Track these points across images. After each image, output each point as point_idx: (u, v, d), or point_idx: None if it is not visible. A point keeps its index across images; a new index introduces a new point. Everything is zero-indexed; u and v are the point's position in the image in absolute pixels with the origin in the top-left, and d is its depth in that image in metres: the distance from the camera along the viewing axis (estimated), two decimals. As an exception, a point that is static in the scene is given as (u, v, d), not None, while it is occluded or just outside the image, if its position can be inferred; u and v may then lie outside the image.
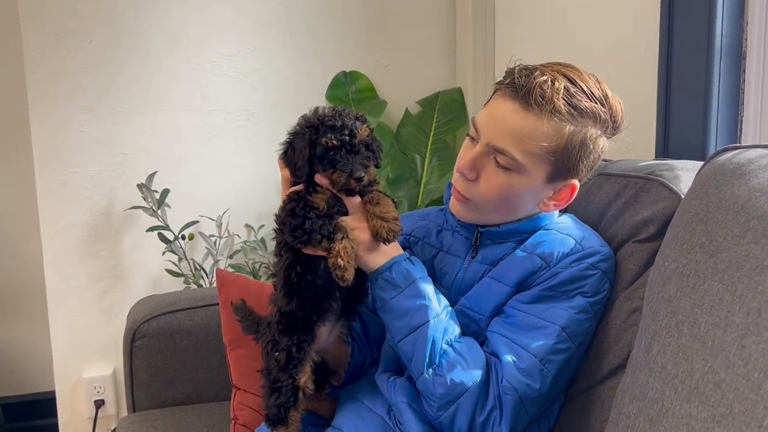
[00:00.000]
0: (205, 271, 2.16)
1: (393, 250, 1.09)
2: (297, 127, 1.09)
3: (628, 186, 1.17)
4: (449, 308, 1.10)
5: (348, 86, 2.33)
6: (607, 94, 1.07)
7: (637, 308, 1.05)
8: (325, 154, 1.04)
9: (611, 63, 1.64)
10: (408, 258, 1.10)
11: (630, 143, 1.58)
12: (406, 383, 1.11)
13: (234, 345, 1.48)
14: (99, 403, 2.21)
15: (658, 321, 0.88)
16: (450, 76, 2.42)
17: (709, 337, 0.78)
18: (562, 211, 1.20)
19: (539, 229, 1.14)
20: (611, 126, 1.08)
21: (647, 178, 1.14)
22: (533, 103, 1.02)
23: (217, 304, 1.53)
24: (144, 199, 2.07)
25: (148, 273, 2.21)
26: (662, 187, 1.10)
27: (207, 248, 2.17)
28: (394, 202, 1.10)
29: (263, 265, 2.24)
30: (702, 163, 1.03)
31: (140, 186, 2.06)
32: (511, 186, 1.07)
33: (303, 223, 1.04)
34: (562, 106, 1.02)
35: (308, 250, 1.06)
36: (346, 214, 1.08)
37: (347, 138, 1.03)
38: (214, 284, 2.04)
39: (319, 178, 1.06)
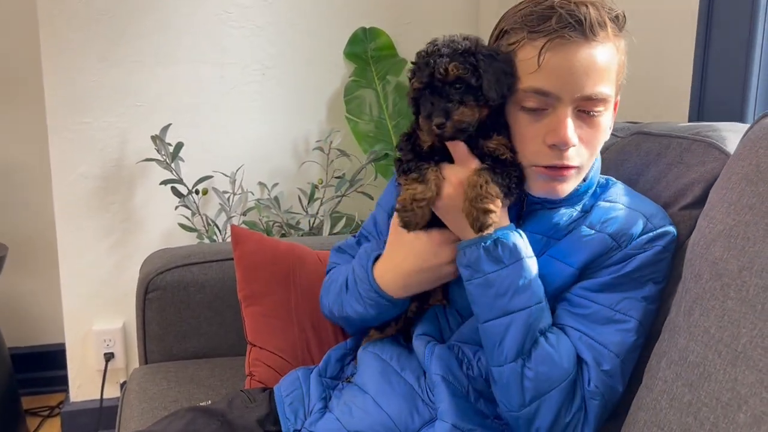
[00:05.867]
0: (218, 227, 2.13)
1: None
2: None
3: (671, 146, 1.09)
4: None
5: (367, 43, 2.27)
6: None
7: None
8: (418, 96, 0.98)
9: (645, 18, 1.57)
10: (517, 230, 0.97)
11: (662, 105, 1.53)
12: (445, 352, 1.03)
13: (249, 302, 1.46)
14: (108, 356, 2.21)
15: (701, 284, 0.84)
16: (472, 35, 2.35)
17: (759, 300, 0.74)
18: (607, 177, 1.10)
19: (592, 190, 1.04)
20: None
21: (693, 138, 1.07)
22: (594, 31, 0.93)
23: (232, 258, 1.51)
24: (157, 151, 2.03)
25: (160, 227, 2.18)
26: (711, 147, 1.03)
27: (220, 204, 2.14)
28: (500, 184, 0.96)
29: (276, 224, 2.21)
30: (747, 125, 0.99)
31: (154, 138, 2.02)
32: (605, 125, 0.99)
33: (404, 155, 1.01)
34: (610, 22, 0.95)
35: None
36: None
37: (427, 79, 0.95)
38: (228, 240, 2.02)
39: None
